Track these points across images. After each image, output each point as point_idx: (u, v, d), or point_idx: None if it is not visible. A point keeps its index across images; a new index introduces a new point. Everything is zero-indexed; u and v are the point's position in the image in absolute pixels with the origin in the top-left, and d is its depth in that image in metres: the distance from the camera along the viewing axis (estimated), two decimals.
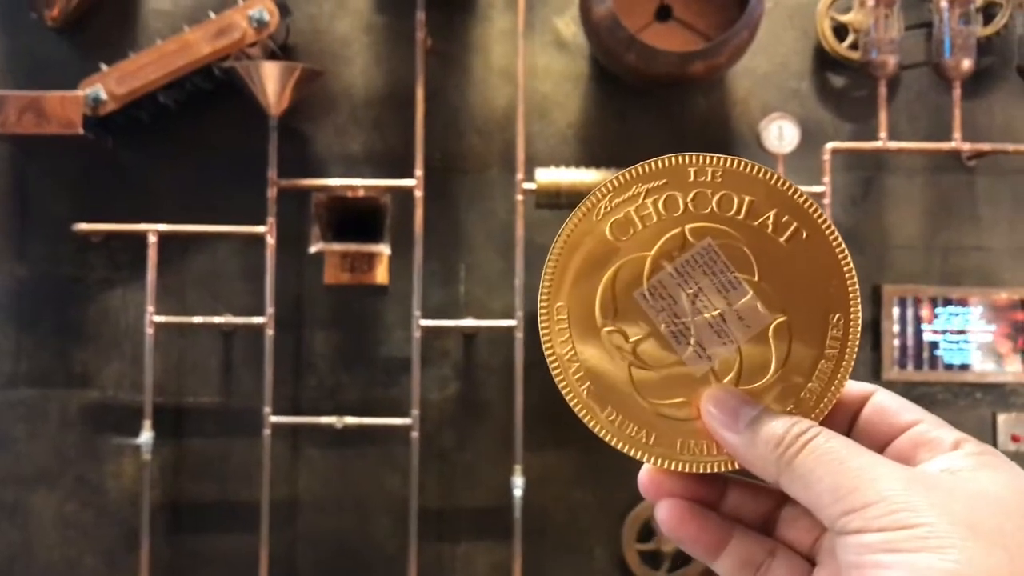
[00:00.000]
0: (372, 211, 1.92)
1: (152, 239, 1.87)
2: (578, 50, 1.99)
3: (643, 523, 1.92)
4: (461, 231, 1.97)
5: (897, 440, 0.39)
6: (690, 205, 0.41)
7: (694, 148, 2.05)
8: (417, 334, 1.85)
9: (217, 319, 1.90)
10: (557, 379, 0.41)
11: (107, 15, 1.97)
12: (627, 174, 0.41)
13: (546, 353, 0.41)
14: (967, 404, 1.97)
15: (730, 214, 0.41)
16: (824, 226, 0.40)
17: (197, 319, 1.90)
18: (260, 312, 1.87)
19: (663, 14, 1.89)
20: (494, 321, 1.89)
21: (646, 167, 0.41)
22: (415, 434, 1.84)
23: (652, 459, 0.40)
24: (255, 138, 1.87)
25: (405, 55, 1.94)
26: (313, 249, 1.90)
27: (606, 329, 0.41)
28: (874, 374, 1.95)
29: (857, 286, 0.40)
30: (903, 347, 1.96)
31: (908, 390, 1.95)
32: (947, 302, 1.97)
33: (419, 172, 1.87)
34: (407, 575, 1.84)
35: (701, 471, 0.40)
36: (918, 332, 1.97)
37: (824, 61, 1.99)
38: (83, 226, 1.87)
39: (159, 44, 1.83)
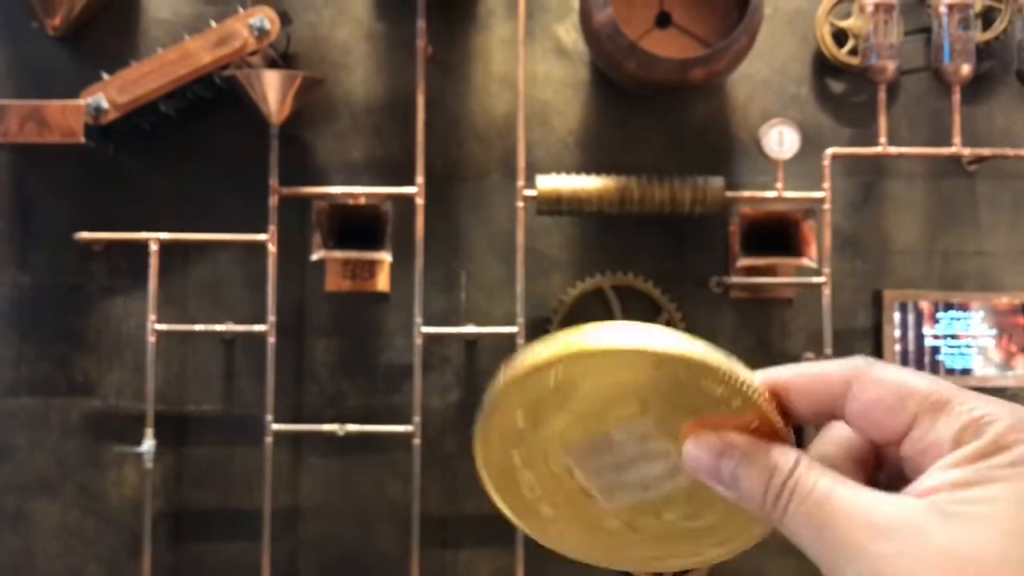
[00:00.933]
0: (373, 218, 1.92)
1: (153, 247, 1.87)
2: (578, 57, 2.00)
3: None
4: (462, 238, 1.97)
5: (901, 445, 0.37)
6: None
7: (695, 154, 2.06)
8: (418, 341, 1.85)
9: (219, 327, 1.90)
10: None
11: (108, 24, 1.97)
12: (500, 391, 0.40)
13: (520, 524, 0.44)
14: None
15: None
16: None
17: (199, 327, 1.90)
18: (262, 320, 1.87)
19: (663, 21, 1.90)
20: (495, 328, 1.89)
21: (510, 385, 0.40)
22: (417, 441, 1.84)
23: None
24: (256, 146, 1.87)
25: (405, 63, 1.94)
26: (314, 257, 1.90)
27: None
28: None
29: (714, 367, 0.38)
30: (904, 352, 1.96)
31: None
32: (948, 307, 1.97)
33: (420, 179, 1.87)
34: None
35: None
36: (919, 337, 1.97)
37: (824, 66, 1.99)
38: (84, 235, 1.88)
39: (160, 53, 1.84)
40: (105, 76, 1.84)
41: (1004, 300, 1.97)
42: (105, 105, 1.81)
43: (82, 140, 1.80)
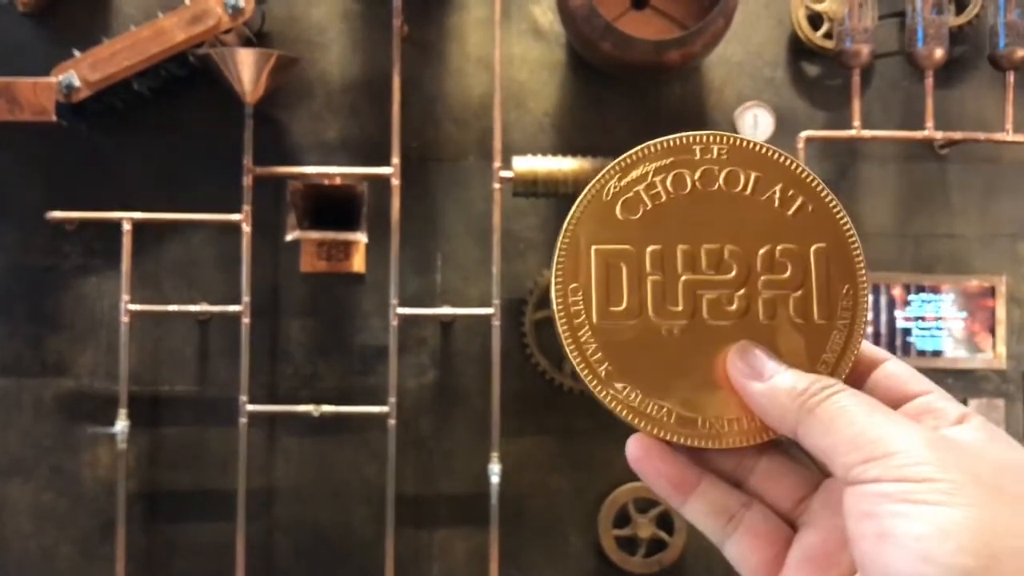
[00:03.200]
0: (348, 199, 1.92)
1: (127, 227, 1.85)
2: (555, 38, 1.99)
3: (619, 509, 1.93)
4: (438, 219, 1.97)
5: (903, 407, 0.39)
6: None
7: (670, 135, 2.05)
8: (394, 322, 1.85)
9: (193, 307, 1.89)
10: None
11: (80, 1, 1.95)
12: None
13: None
14: None
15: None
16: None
17: (173, 307, 1.89)
18: (236, 300, 1.87)
19: (639, 2, 1.90)
20: (471, 309, 1.90)
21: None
22: (392, 422, 1.84)
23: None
24: (230, 125, 1.86)
25: (381, 42, 1.93)
26: (289, 237, 1.90)
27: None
28: None
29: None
30: (876, 334, 1.98)
31: None
32: (919, 289, 1.99)
33: (395, 160, 1.87)
34: (384, 562, 1.84)
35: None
36: (891, 319, 1.99)
37: (799, 50, 2.00)
38: (56, 214, 1.86)
39: (133, 30, 1.82)
40: (77, 53, 1.82)
41: (974, 283, 2.00)
42: (77, 83, 1.79)
43: (54, 118, 1.78)
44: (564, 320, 0.41)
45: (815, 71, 2.01)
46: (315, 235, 1.90)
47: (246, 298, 1.85)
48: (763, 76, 2.00)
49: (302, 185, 1.90)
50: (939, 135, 1.90)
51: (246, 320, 1.85)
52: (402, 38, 1.90)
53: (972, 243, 2.01)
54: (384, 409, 1.85)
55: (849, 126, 1.89)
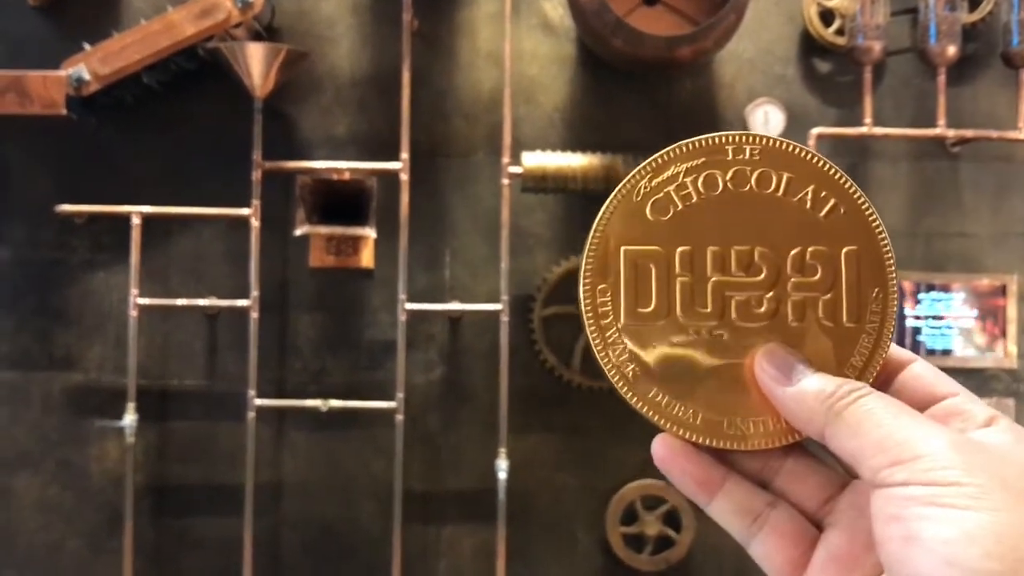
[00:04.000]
0: (357, 194, 1.91)
1: (135, 221, 1.85)
2: (565, 33, 1.99)
3: (627, 506, 1.92)
4: (447, 215, 1.96)
5: (930, 409, 0.38)
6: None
7: (680, 133, 2.05)
8: (402, 318, 1.85)
9: (201, 302, 1.89)
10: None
11: None
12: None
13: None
14: None
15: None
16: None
17: (181, 302, 1.89)
18: (244, 295, 1.86)
19: None
20: (479, 305, 1.89)
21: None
22: (400, 417, 1.84)
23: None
24: (240, 120, 1.86)
25: (391, 37, 1.93)
26: (298, 232, 1.89)
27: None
28: None
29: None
30: None
31: None
32: (930, 288, 1.98)
33: (405, 155, 1.87)
34: (392, 558, 1.84)
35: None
36: (901, 318, 1.98)
37: (810, 47, 1.99)
38: (65, 207, 1.86)
39: (143, 24, 1.82)
40: (87, 47, 1.82)
41: (985, 282, 1.99)
42: (87, 76, 1.79)
43: (63, 112, 1.78)
44: (592, 320, 0.41)
45: (826, 68, 2.00)
46: (324, 230, 1.89)
47: (254, 293, 1.85)
48: (774, 72, 2.00)
49: (311, 180, 1.90)
50: (951, 133, 1.89)
51: (254, 315, 1.85)
52: (412, 33, 1.89)
53: (983, 242, 2.00)
54: (392, 405, 1.85)
55: (860, 123, 1.88)
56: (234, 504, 1.86)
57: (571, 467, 1.95)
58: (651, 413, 0.41)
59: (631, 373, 0.41)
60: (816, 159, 0.41)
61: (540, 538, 1.95)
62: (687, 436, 0.40)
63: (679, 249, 0.41)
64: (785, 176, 0.41)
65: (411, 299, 1.87)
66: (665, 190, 0.42)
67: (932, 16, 1.83)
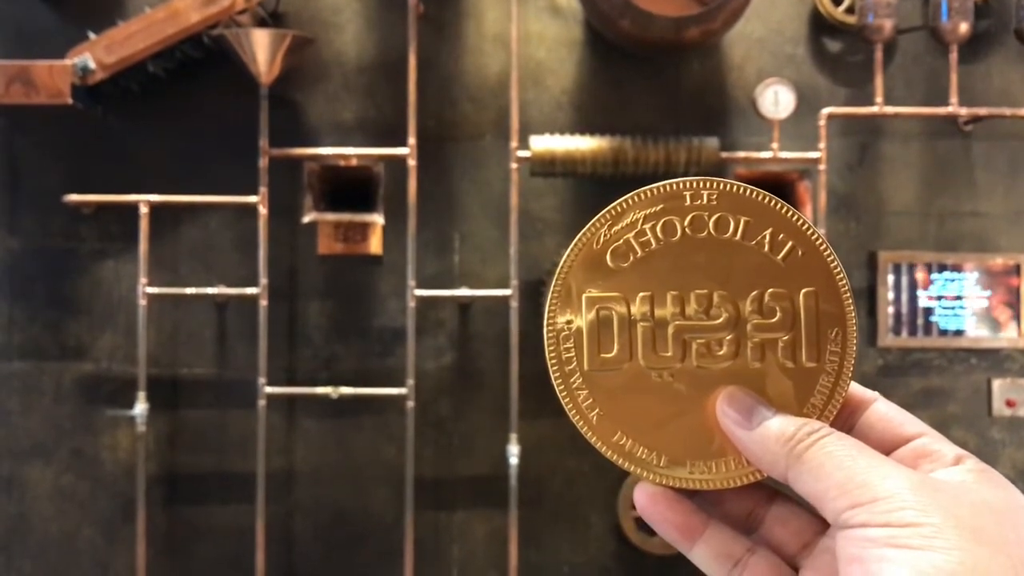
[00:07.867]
0: (365, 180, 1.91)
1: (144, 210, 1.85)
2: (572, 16, 1.97)
3: None
4: (455, 200, 1.95)
5: (899, 450, 0.39)
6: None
7: (690, 114, 2.04)
8: (412, 304, 1.85)
9: (210, 290, 1.89)
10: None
11: None
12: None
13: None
14: (962, 370, 1.97)
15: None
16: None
17: (190, 290, 1.89)
18: (253, 283, 1.86)
19: None
20: (489, 291, 1.89)
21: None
22: (411, 404, 1.84)
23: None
24: (246, 107, 1.85)
25: (397, 21, 1.92)
26: (306, 219, 1.89)
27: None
28: (869, 341, 1.94)
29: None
30: (898, 314, 1.96)
31: (903, 356, 1.95)
32: (943, 268, 1.96)
33: (412, 140, 1.86)
34: (404, 544, 1.84)
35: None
36: (913, 298, 1.96)
37: (820, 26, 1.97)
38: (74, 197, 1.86)
39: (148, 12, 1.81)
40: (92, 36, 1.81)
41: (999, 261, 1.97)
42: (92, 65, 1.79)
43: (69, 101, 1.78)
44: (556, 367, 0.42)
45: (837, 47, 1.98)
46: (332, 217, 1.89)
47: (263, 280, 1.85)
48: (784, 52, 1.98)
49: (318, 167, 1.89)
50: (963, 111, 1.87)
51: (264, 302, 1.85)
52: (418, 17, 1.88)
53: (997, 221, 1.98)
54: (402, 391, 1.84)
55: (871, 103, 1.86)
56: (246, 492, 1.86)
57: (582, 452, 1.95)
58: (616, 457, 0.42)
59: (595, 418, 0.42)
60: (773, 202, 0.42)
61: (552, 523, 1.94)
62: (653, 479, 0.41)
63: (640, 295, 0.42)
64: (743, 220, 0.42)
65: (420, 285, 1.86)
66: (624, 237, 0.42)
67: None
